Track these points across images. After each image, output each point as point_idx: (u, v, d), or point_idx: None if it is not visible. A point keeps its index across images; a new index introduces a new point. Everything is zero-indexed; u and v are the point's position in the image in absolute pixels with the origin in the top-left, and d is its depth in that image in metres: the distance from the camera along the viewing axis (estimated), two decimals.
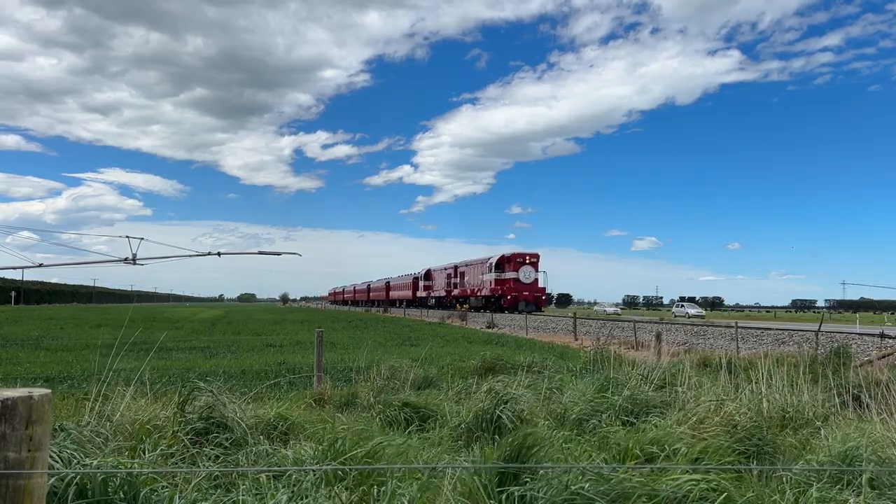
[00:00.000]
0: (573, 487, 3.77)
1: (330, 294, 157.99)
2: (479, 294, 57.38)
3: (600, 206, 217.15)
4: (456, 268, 66.31)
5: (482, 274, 57.02)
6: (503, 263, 54.02)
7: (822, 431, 5.69)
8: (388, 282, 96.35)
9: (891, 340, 17.99)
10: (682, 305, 72.62)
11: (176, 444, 4.77)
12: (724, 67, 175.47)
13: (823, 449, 5.04)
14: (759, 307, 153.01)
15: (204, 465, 4.49)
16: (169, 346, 19.20)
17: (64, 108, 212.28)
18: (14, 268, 8.60)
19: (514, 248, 56.09)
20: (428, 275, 75.63)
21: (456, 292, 64.51)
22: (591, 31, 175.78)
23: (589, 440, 5.39)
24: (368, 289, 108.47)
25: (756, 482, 4.35)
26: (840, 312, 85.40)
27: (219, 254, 9.00)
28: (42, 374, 12.45)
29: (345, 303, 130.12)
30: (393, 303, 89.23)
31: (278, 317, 49.68)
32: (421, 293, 76.29)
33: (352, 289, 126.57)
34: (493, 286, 54.07)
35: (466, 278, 62.02)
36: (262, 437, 5.26)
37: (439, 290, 70.39)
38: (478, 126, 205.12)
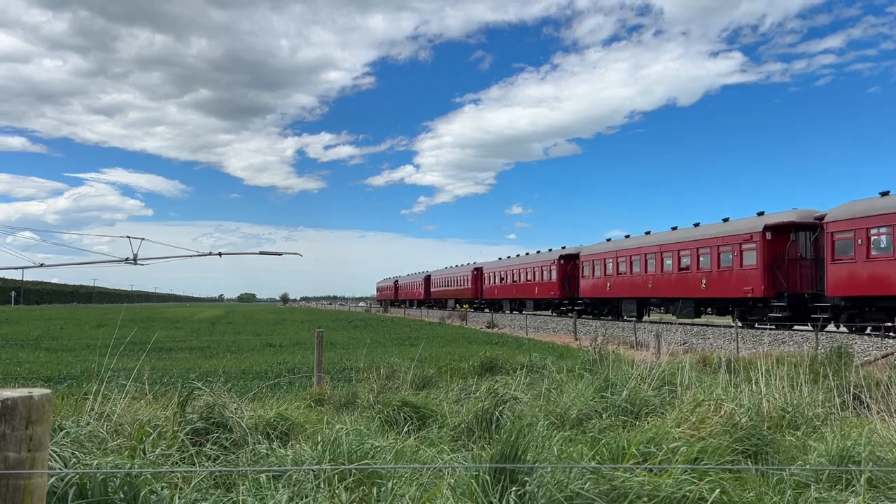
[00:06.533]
0: (573, 487, 3.77)
1: (382, 290, 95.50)
2: None
3: (601, 206, 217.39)
4: None
5: None
6: None
7: (822, 431, 5.69)
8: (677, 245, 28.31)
9: (891, 341, 18.00)
10: None
11: (176, 444, 4.77)
12: (726, 69, 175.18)
13: (823, 449, 5.04)
14: None
15: (204, 465, 4.49)
16: (169, 346, 19.21)
17: (69, 110, 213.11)
18: (15, 268, 8.62)
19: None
20: None
21: None
22: (595, 33, 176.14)
23: (588, 440, 5.39)
24: (536, 272, 43.79)
25: (756, 482, 4.35)
26: None
27: (220, 254, 9.01)
28: (42, 374, 12.45)
29: (429, 303, 68.64)
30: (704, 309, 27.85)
31: (278, 317, 49.64)
32: None
33: (466, 277, 58.08)
34: None
35: None
36: (261, 437, 5.26)
37: None
38: (480, 126, 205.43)
